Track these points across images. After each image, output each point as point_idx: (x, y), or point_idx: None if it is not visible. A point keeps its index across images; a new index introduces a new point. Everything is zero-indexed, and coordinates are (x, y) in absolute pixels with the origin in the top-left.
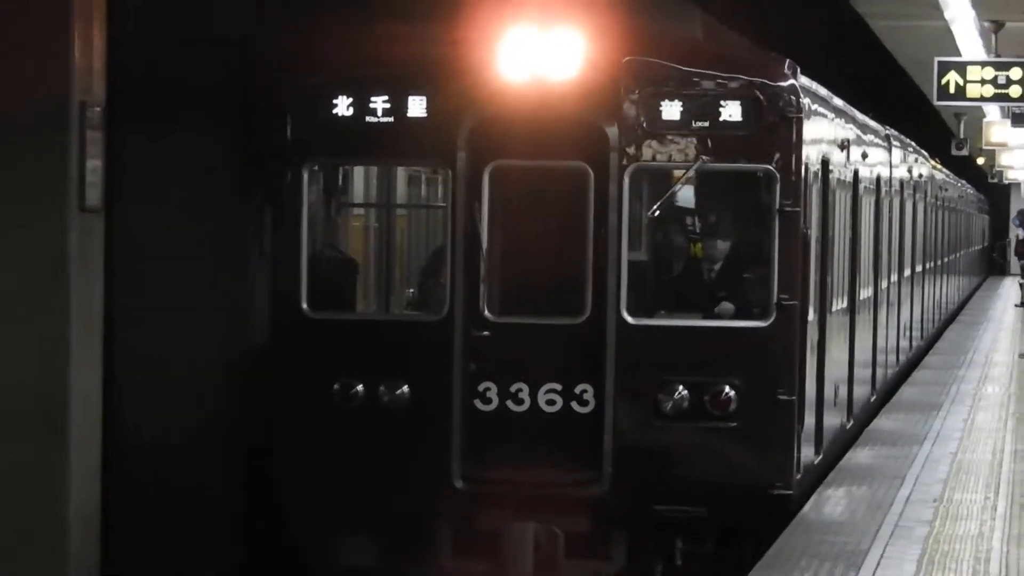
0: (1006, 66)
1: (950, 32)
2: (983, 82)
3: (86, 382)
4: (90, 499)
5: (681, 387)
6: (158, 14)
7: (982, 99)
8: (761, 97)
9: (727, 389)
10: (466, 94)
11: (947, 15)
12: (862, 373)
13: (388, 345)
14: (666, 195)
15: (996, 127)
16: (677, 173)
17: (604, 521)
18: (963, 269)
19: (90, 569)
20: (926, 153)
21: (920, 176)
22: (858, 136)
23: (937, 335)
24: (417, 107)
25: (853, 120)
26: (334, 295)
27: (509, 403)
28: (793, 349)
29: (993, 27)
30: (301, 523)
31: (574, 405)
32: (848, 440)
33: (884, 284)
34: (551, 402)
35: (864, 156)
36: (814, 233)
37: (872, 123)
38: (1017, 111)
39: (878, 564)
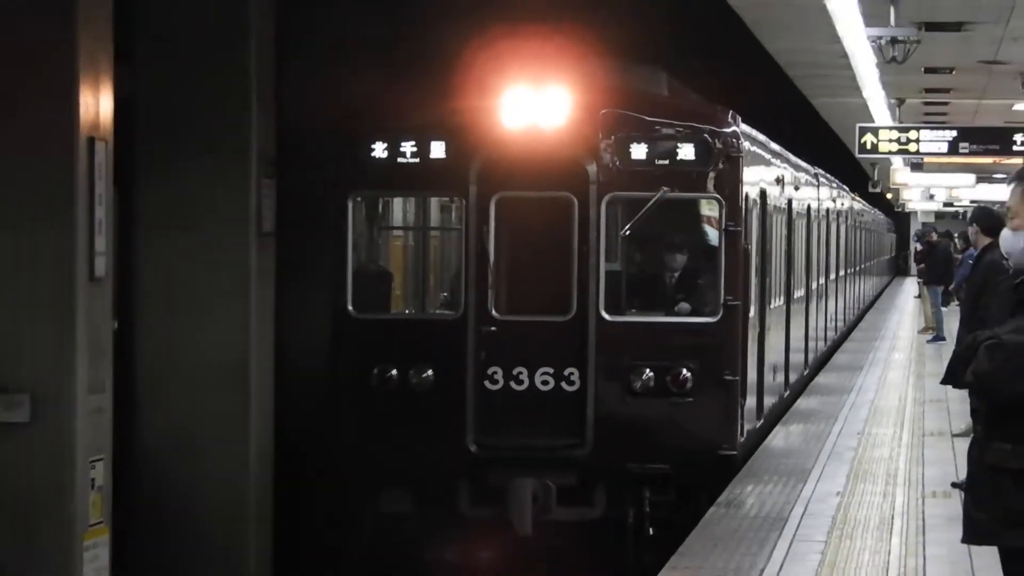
0: (906, 130)
1: (867, 107)
2: (890, 141)
3: (263, 353)
4: (265, 437)
5: (648, 370)
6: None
7: (890, 153)
8: (710, 140)
9: (684, 371)
10: (476, 140)
11: (865, 94)
12: (798, 351)
13: (418, 338)
14: (634, 218)
15: (899, 172)
16: (643, 201)
17: (588, 476)
18: (877, 271)
19: (266, 486)
20: (847, 188)
21: (843, 205)
22: (791, 172)
23: (859, 319)
24: (438, 150)
25: (787, 160)
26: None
27: (512, 383)
28: (737, 339)
29: (897, 103)
30: (353, 478)
31: (563, 385)
32: (787, 402)
33: (818, 283)
34: (545, 382)
35: (796, 188)
36: (754, 247)
37: (804, 164)
38: (914, 161)
39: (819, 478)
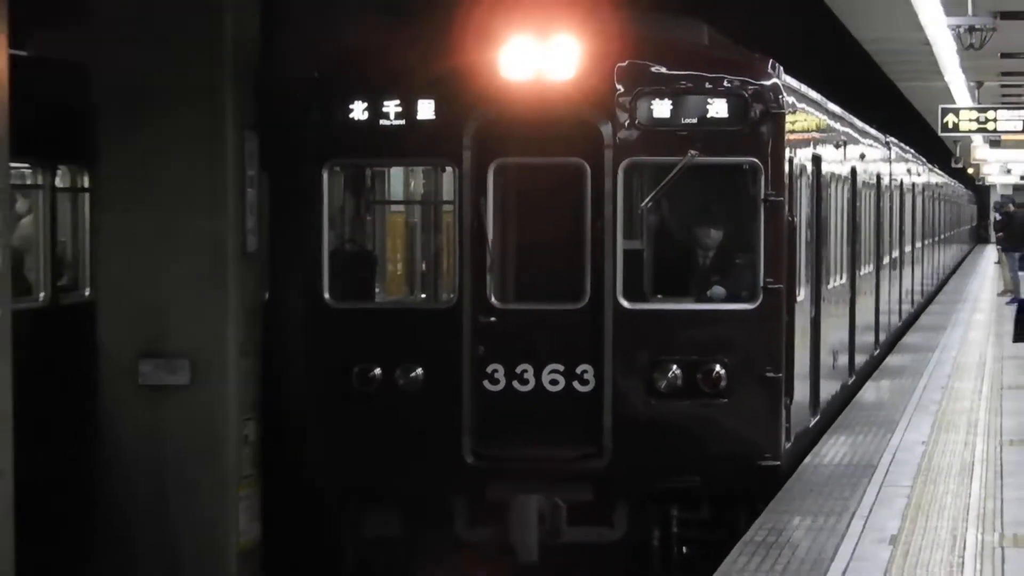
0: (984, 110)
1: (948, 90)
2: (970, 120)
3: None
4: None
5: (675, 367)
6: None
7: (969, 131)
8: (745, 94)
9: (717, 368)
10: (471, 97)
11: (946, 78)
12: (866, 330)
13: (405, 331)
14: (658, 188)
15: (979, 149)
16: (668, 167)
17: (605, 492)
18: (958, 240)
19: None
20: (925, 161)
21: (921, 177)
22: (855, 139)
23: (943, 284)
24: (426, 110)
25: (851, 124)
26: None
27: (515, 383)
28: (779, 329)
29: (976, 85)
30: (331, 498)
31: (576, 385)
32: (853, 388)
33: (891, 257)
34: (554, 382)
35: (862, 156)
36: (803, 221)
37: (873, 131)
38: (992, 139)
39: (906, 428)
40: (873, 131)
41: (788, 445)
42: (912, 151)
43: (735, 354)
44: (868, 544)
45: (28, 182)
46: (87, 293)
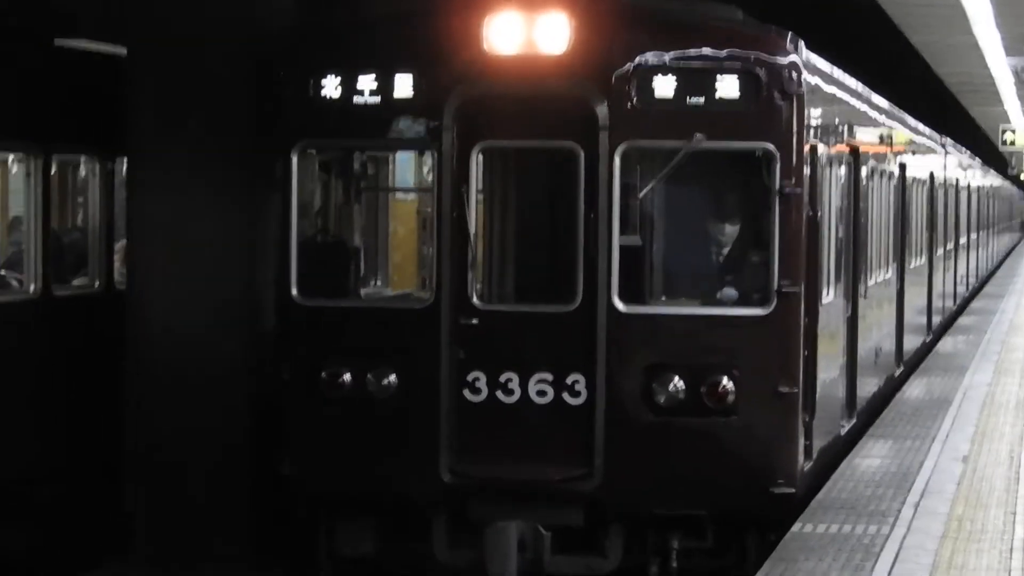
0: None
1: (1006, 114)
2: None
3: None
4: None
5: (676, 378)
6: None
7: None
8: (759, 72)
9: (724, 380)
10: (452, 72)
11: (1005, 105)
12: (914, 329)
13: (377, 332)
14: (659, 175)
15: None
16: (670, 153)
17: (598, 517)
18: (1011, 229)
19: None
20: (981, 163)
21: (979, 178)
22: (905, 135)
23: (999, 264)
24: (404, 87)
25: (901, 121)
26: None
27: (499, 393)
28: (796, 338)
29: None
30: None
31: (566, 396)
32: (896, 383)
33: (945, 248)
34: (542, 393)
35: (914, 152)
36: (833, 215)
37: (925, 128)
38: None
39: (974, 372)
40: (928, 130)
41: (808, 466)
42: (970, 154)
43: (745, 365)
44: (946, 462)
45: None
46: None
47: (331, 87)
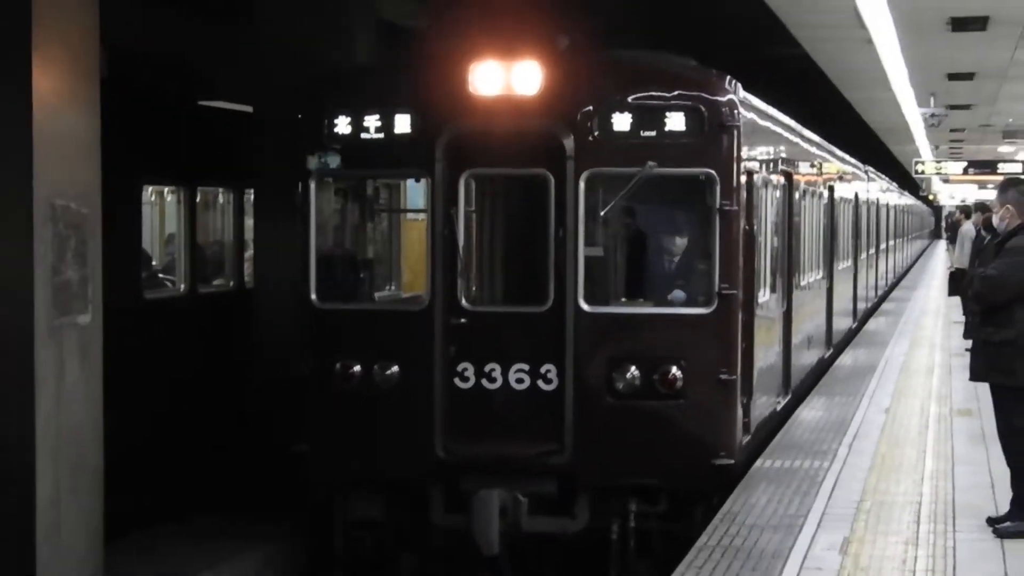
0: (940, 161)
1: (918, 150)
2: (932, 167)
3: None
4: None
5: (633, 368)
6: None
7: (931, 174)
8: (701, 108)
9: (674, 369)
10: (444, 112)
11: (917, 142)
12: (843, 314)
13: (382, 330)
14: (617, 197)
15: (935, 184)
16: (627, 178)
17: (567, 486)
18: (922, 237)
19: None
20: (897, 185)
21: (895, 198)
22: (833, 163)
23: (913, 263)
24: (403, 124)
25: (830, 152)
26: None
27: (484, 381)
28: (734, 333)
29: (934, 147)
30: (322, 480)
31: (540, 383)
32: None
33: (867, 254)
34: (520, 380)
35: (841, 178)
36: (768, 229)
37: (851, 158)
38: (944, 178)
39: (894, 345)
40: (854, 160)
41: (746, 440)
42: (889, 179)
43: (691, 356)
44: (872, 414)
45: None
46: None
47: (342, 125)
